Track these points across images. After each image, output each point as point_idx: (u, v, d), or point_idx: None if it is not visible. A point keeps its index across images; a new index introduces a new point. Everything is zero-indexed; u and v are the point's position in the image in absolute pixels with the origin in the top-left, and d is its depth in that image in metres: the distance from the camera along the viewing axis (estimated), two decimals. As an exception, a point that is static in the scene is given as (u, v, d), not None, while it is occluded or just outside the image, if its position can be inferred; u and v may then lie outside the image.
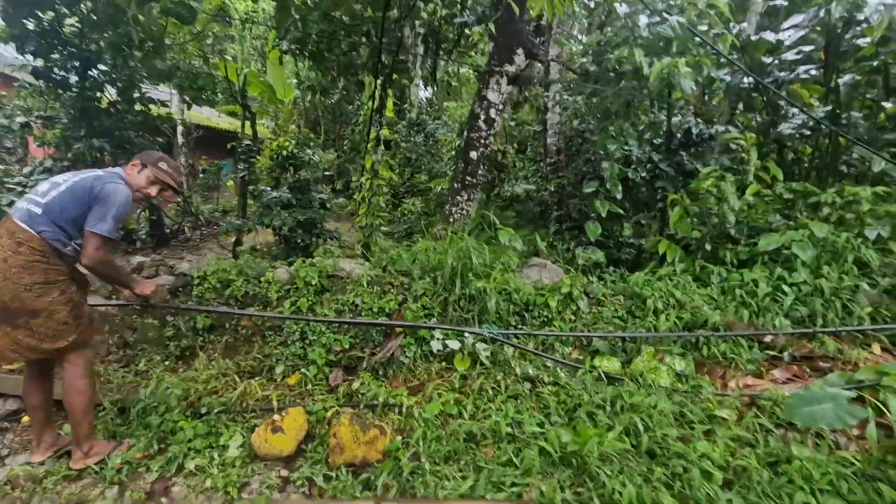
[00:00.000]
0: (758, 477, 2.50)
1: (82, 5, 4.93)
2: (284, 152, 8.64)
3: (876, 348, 3.61)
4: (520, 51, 4.56)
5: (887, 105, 5.83)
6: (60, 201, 2.56)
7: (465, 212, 4.96)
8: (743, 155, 4.90)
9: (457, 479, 2.64)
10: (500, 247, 4.47)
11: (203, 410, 3.29)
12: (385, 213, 9.19)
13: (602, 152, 4.73)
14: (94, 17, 5.10)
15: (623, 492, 2.39)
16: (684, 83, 3.62)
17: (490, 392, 3.27)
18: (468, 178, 4.90)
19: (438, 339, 3.77)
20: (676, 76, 3.55)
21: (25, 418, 3.37)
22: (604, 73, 4.17)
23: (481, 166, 4.90)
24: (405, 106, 14.33)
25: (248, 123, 8.21)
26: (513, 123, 13.58)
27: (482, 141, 4.78)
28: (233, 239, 6.80)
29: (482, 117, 4.73)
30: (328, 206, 6.28)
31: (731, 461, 2.59)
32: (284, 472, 2.83)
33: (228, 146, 7.49)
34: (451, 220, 4.88)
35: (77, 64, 5.19)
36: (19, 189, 5.29)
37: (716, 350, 3.50)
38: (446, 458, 2.83)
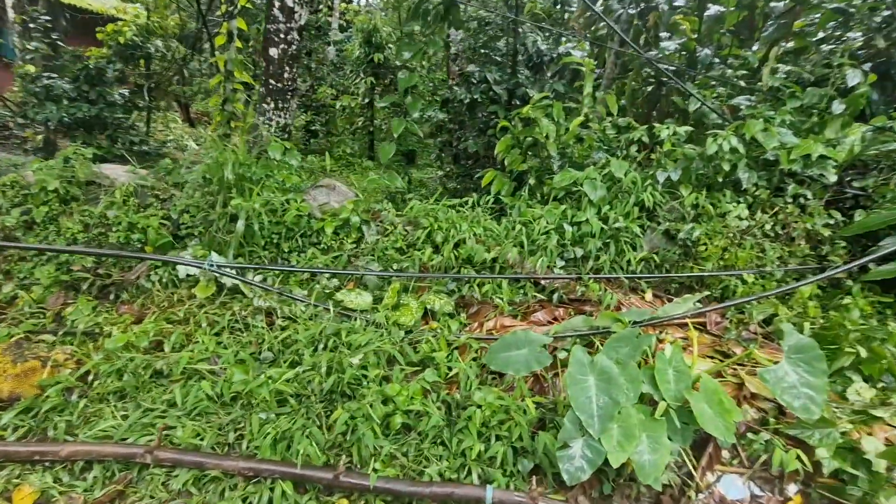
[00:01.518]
0: (437, 422, 2.35)
1: None
2: (121, 39, 7.37)
3: (648, 294, 3.54)
4: (308, -79, 3.76)
5: (754, 48, 5.56)
6: None
7: (275, 122, 4.33)
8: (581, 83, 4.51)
9: (110, 418, 2.32)
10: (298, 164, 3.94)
11: None
12: (246, 123, 8.26)
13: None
14: None
15: (269, 434, 2.15)
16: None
17: (206, 325, 2.91)
18: (272, 81, 4.21)
19: (204, 265, 3.32)
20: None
21: None
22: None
23: (286, 67, 4.20)
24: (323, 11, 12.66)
25: None
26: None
27: (282, 36, 4.05)
28: (39, 136, 5.81)
29: (276, 5, 3.97)
30: (138, 104, 5.35)
31: (421, 406, 2.41)
32: None
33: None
34: (252, 132, 4.25)
35: None
36: None
37: (477, 290, 3.29)
38: (120, 395, 2.49)
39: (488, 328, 3.24)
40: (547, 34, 4.49)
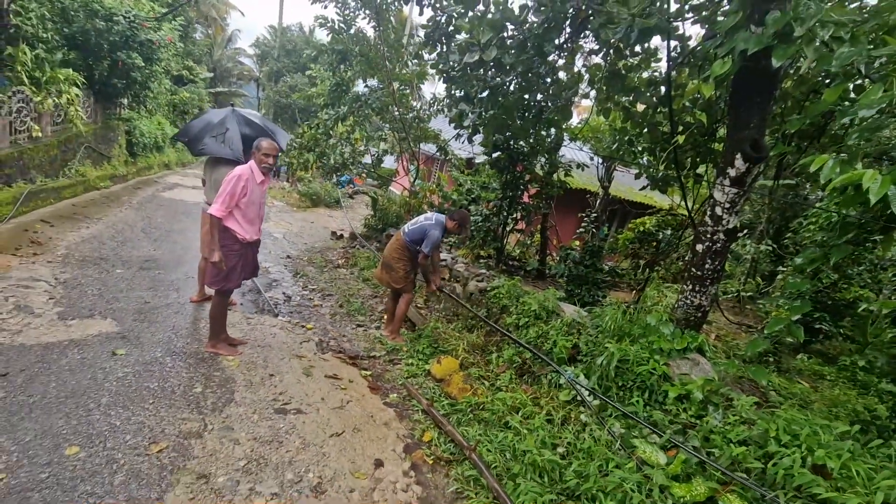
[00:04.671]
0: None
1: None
2: (642, 228, 10.03)
3: None
4: (738, 155, 4.30)
5: None
6: (413, 229, 5.95)
7: (689, 302, 5.00)
8: None
9: (471, 429, 4.05)
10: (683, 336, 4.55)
11: (436, 345, 5.97)
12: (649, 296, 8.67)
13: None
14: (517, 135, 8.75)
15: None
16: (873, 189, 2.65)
17: (544, 413, 4.17)
18: (693, 268, 4.92)
19: (565, 375, 4.76)
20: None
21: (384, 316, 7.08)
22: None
23: (708, 260, 4.80)
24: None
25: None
26: None
27: (708, 235, 4.73)
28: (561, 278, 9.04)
29: (708, 213, 4.71)
30: (619, 272, 7.32)
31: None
32: (429, 384, 5.08)
33: (581, 212, 9.64)
34: (674, 308, 5.09)
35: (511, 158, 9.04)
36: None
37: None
38: (485, 422, 4.20)
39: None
40: None
